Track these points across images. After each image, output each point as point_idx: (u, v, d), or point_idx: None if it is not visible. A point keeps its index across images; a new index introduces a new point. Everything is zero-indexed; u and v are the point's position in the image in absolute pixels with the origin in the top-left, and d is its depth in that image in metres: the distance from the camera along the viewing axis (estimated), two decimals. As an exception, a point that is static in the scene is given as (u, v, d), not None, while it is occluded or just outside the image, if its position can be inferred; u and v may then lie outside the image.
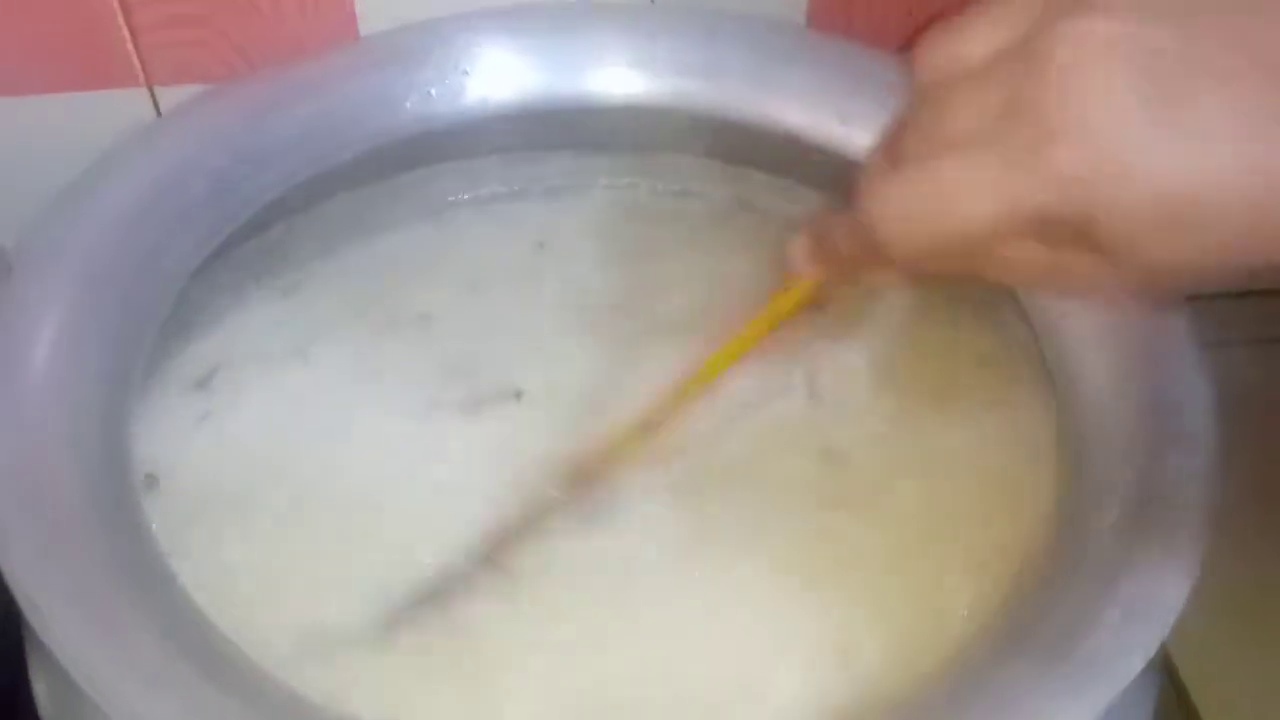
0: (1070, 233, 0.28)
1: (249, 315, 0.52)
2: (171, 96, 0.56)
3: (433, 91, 0.51)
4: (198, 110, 0.49)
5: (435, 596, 0.43)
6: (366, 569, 0.43)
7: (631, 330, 0.52)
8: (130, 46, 0.54)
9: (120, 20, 0.53)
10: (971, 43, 0.30)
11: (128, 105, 0.56)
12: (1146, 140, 0.26)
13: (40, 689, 0.40)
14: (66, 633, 0.33)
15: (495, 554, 0.44)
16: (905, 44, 0.58)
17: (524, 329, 0.52)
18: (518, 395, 0.49)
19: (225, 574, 0.42)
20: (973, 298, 0.52)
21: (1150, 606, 0.36)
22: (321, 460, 0.47)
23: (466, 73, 0.51)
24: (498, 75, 0.52)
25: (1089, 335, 0.44)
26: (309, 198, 0.52)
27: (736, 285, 0.53)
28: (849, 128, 0.51)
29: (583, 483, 0.45)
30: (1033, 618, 0.37)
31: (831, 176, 0.55)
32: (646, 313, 0.53)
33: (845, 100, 0.52)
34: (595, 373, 0.50)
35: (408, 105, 0.50)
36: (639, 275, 0.54)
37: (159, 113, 0.56)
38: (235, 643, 0.36)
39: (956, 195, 0.29)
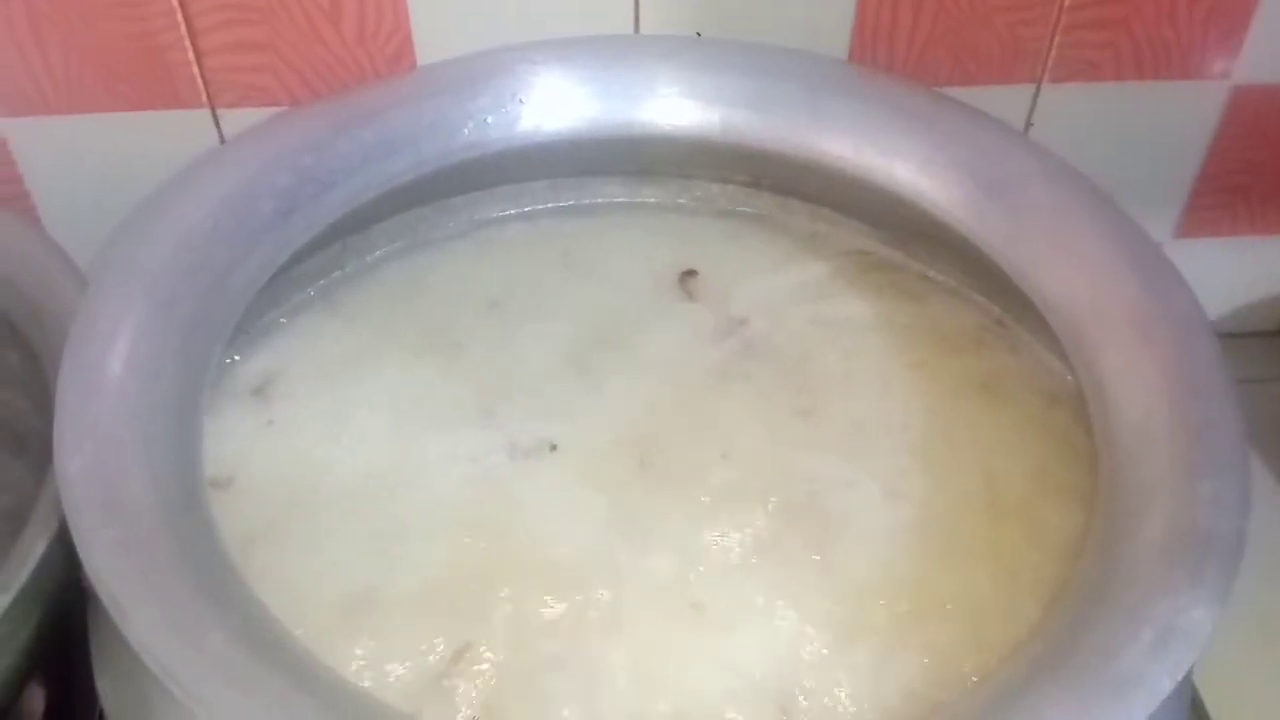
0: None
1: (302, 329, 0.54)
2: (233, 119, 0.58)
3: (489, 119, 0.53)
4: (265, 133, 0.51)
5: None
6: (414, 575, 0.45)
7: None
8: (195, 70, 0.56)
9: (187, 44, 0.55)
10: None
11: (191, 126, 0.58)
12: None
13: (104, 685, 0.41)
14: (144, 627, 0.35)
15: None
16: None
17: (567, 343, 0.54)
18: (570, 436, 0.50)
19: (289, 575, 0.44)
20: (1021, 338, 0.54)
21: (1180, 630, 0.37)
22: (370, 474, 0.48)
23: (522, 102, 0.53)
24: (551, 104, 0.54)
25: (1126, 369, 0.45)
26: (366, 217, 0.54)
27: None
28: (889, 160, 0.53)
29: None
30: (1065, 637, 0.38)
31: (872, 208, 0.56)
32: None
33: (886, 133, 0.53)
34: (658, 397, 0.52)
35: (465, 131, 0.52)
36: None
37: (221, 134, 0.58)
38: (298, 638, 0.37)
39: None
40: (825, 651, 0.43)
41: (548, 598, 0.44)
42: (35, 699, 0.48)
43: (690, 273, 0.56)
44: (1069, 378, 0.50)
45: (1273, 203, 0.68)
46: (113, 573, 0.35)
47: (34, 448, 0.50)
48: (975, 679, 0.41)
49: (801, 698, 0.42)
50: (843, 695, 0.42)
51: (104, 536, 0.36)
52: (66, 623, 0.43)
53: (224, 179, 0.48)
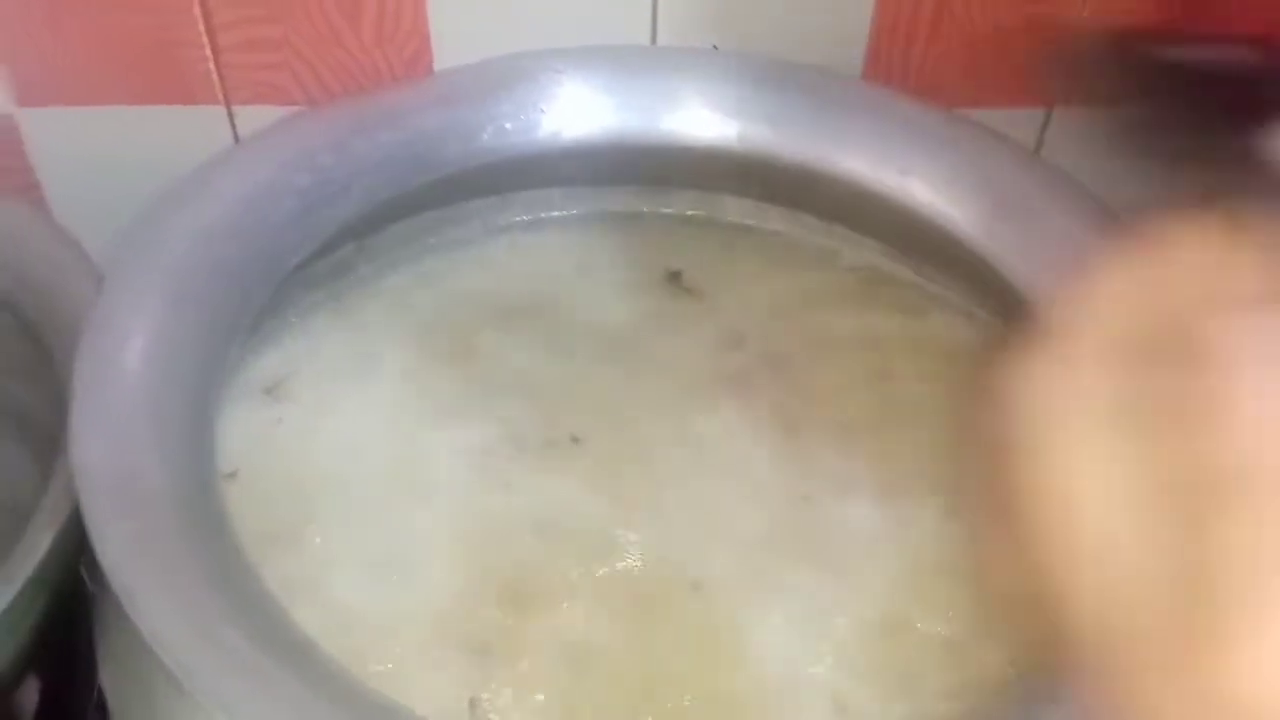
0: None
1: (315, 330, 0.53)
2: (248, 116, 0.58)
3: (508, 125, 0.53)
4: (284, 132, 0.51)
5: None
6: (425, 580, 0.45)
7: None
8: (212, 66, 0.56)
9: (204, 40, 0.55)
10: None
11: (205, 123, 0.58)
12: None
13: (108, 679, 0.41)
14: (159, 621, 0.34)
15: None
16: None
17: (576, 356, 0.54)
18: (575, 440, 0.50)
19: (292, 579, 0.43)
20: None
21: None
22: (380, 478, 0.48)
23: (542, 110, 0.53)
24: (572, 113, 0.54)
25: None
26: (382, 219, 0.54)
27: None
28: (906, 179, 0.53)
29: None
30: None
31: (885, 225, 0.56)
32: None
33: (903, 151, 0.53)
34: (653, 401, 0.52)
35: (484, 136, 0.52)
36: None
37: (235, 131, 0.58)
38: (310, 634, 0.37)
39: None
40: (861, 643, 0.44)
41: (565, 604, 0.44)
42: (30, 688, 0.48)
43: (675, 274, 0.57)
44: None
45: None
46: (128, 566, 0.35)
47: (40, 439, 0.50)
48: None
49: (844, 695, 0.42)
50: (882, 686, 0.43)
51: (119, 529, 0.36)
52: (67, 614, 0.43)
53: (242, 177, 0.48)
